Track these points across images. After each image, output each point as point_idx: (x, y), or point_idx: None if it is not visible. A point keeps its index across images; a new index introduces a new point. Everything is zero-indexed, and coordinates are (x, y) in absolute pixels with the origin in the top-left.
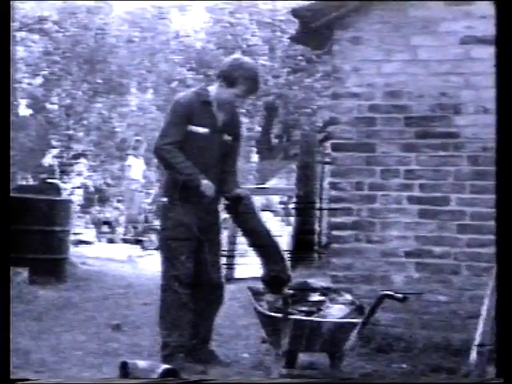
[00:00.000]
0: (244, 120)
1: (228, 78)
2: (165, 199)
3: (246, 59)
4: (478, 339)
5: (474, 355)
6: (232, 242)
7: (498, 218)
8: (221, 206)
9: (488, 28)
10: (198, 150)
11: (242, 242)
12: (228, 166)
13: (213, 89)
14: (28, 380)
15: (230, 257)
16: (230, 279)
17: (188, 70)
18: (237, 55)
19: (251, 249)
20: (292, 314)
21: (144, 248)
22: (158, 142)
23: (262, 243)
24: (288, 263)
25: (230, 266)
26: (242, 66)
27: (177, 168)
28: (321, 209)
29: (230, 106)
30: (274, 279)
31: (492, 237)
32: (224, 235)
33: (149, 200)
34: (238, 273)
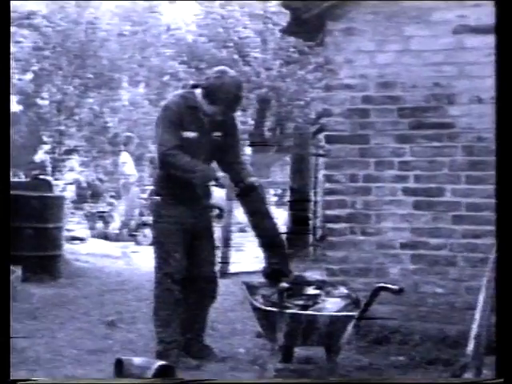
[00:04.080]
0: (236, 113)
1: (209, 95)
2: (158, 196)
3: (229, 76)
4: (474, 330)
5: (470, 346)
6: (226, 237)
7: (498, 218)
8: (214, 201)
9: (481, 17)
10: (191, 154)
11: (237, 236)
12: (231, 158)
13: (199, 92)
14: (28, 380)
15: (225, 252)
16: (225, 274)
17: (180, 64)
18: (221, 69)
19: (256, 240)
20: (287, 308)
21: (138, 243)
22: (160, 150)
23: (268, 235)
24: (289, 258)
25: (225, 261)
26: (222, 86)
27: (187, 169)
28: (315, 202)
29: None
30: (275, 272)
31: (488, 227)
32: (218, 231)
33: (144, 195)
34: (233, 268)
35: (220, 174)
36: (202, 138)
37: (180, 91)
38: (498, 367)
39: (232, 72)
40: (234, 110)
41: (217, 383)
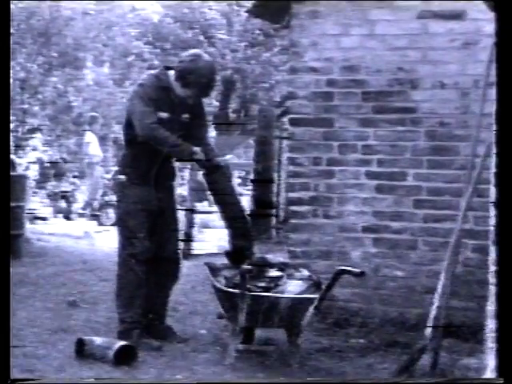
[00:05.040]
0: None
1: (182, 78)
2: (122, 176)
3: (204, 60)
4: (433, 313)
5: (429, 330)
6: (190, 218)
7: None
8: (176, 182)
9: (444, 3)
10: None
11: (200, 218)
12: (198, 139)
13: (172, 74)
14: (28, 380)
15: (188, 233)
16: (188, 255)
17: (145, 44)
18: (196, 52)
19: (221, 219)
20: (249, 290)
21: (101, 224)
22: (143, 124)
23: (234, 215)
24: (253, 239)
25: (188, 242)
26: (196, 70)
27: (168, 143)
28: (279, 184)
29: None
30: (237, 254)
31: (449, 212)
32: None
33: (108, 175)
34: (196, 249)
35: (196, 148)
36: (173, 119)
37: (153, 71)
38: (498, 367)
39: (206, 56)
40: (207, 94)
41: (219, 383)
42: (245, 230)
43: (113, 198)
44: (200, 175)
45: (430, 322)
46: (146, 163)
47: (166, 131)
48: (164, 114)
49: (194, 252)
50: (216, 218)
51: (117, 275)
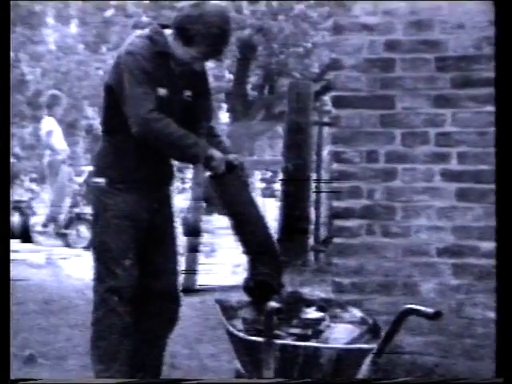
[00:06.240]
0: (209, 65)
1: (183, 33)
2: (101, 180)
3: (210, 3)
4: None
5: None
6: (193, 238)
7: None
8: (174, 187)
9: None
10: None
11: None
12: (202, 127)
13: (170, 33)
14: (28, 380)
15: (191, 258)
16: (190, 290)
17: None
18: None
19: (235, 241)
20: (279, 338)
21: (69, 246)
22: (137, 112)
23: (252, 233)
24: (282, 266)
25: (190, 272)
26: (201, 17)
27: (175, 139)
28: (318, 189)
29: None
30: (261, 287)
31: None
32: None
33: (80, 179)
34: (201, 280)
35: (216, 153)
36: (173, 98)
37: (144, 31)
38: (498, 367)
39: None
40: (219, 52)
41: (215, 383)
42: (270, 255)
43: (86, 209)
44: (205, 178)
45: None
46: (134, 161)
47: (174, 123)
48: (163, 91)
49: (199, 285)
50: (229, 238)
51: (93, 318)
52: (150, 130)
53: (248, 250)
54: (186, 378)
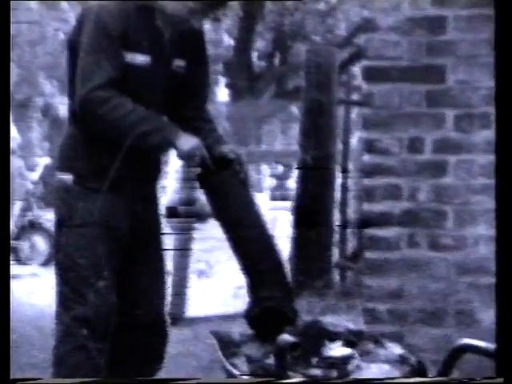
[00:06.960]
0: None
1: None
2: (67, 176)
3: None
4: None
5: None
6: (183, 255)
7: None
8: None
9: None
10: (135, 98)
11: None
12: (192, 110)
13: None
14: (28, 380)
15: (180, 281)
16: (180, 318)
17: None
18: None
19: (234, 257)
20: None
21: (22, 262)
22: (78, 90)
23: (253, 245)
24: (293, 288)
25: (180, 297)
26: None
27: (128, 126)
28: (344, 187)
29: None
30: (267, 314)
31: None
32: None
33: (34, 175)
34: (193, 308)
35: (182, 134)
36: (157, 68)
37: None
38: (498, 367)
39: None
40: (219, 3)
41: (213, 383)
42: (277, 274)
43: (45, 215)
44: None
45: None
46: (111, 152)
47: (129, 101)
48: (141, 58)
49: (190, 313)
50: (227, 252)
51: (53, 357)
52: (91, 114)
53: (247, 269)
54: (185, 378)
